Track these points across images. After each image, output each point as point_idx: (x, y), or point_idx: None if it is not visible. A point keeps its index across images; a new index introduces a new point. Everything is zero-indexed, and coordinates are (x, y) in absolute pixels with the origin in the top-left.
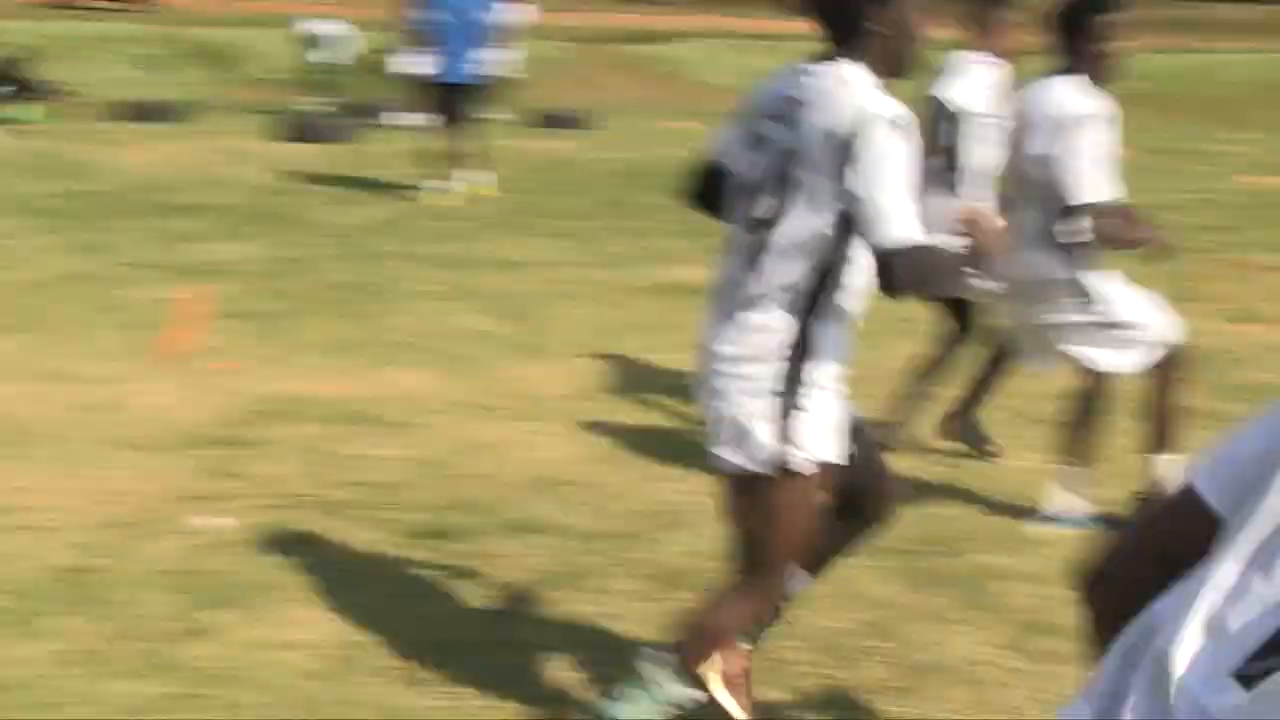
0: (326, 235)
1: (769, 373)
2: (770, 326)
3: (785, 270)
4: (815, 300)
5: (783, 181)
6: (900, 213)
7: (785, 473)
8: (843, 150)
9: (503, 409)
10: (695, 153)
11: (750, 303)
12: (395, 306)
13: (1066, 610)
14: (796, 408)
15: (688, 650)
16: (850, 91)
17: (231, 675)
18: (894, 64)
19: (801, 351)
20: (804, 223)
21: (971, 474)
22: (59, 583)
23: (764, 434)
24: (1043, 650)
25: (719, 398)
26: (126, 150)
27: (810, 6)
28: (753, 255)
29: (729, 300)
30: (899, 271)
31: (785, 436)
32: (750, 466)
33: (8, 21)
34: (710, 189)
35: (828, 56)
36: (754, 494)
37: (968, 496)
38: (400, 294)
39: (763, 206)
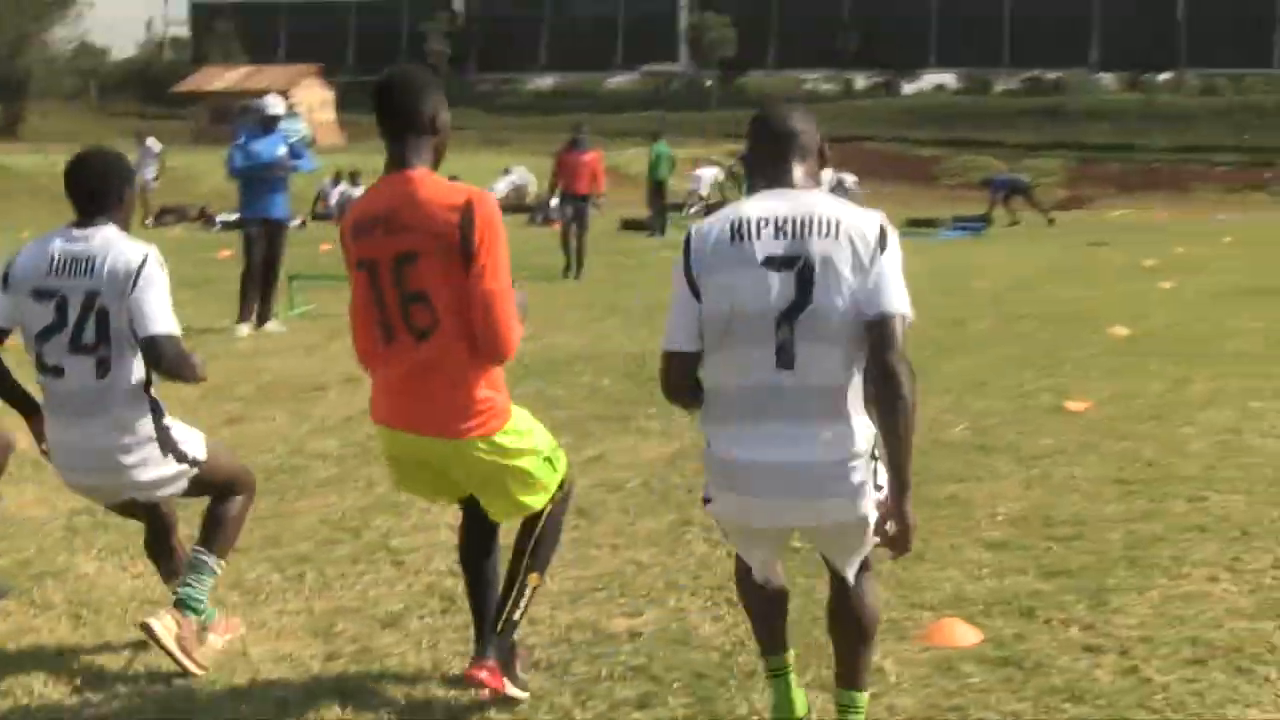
0: None
1: (146, 421)
2: (132, 402)
3: (121, 367)
4: (145, 366)
5: (97, 311)
6: (168, 315)
7: (198, 467)
8: (130, 279)
9: None
10: None
11: (108, 399)
12: None
13: None
14: (169, 433)
15: (219, 544)
16: (122, 244)
17: None
18: (128, 223)
19: (151, 398)
20: (119, 331)
21: None
22: None
23: (175, 459)
24: None
25: (123, 468)
26: None
27: (78, 196)
28: (98, 367)
29: (95, 401)
30: (163, 351)
31: (181, 454)
32: (187, 481)
33: None
34: None
35: (89, 224)
36: (201, 489)
37: None
38: None
39: (84, 335)
